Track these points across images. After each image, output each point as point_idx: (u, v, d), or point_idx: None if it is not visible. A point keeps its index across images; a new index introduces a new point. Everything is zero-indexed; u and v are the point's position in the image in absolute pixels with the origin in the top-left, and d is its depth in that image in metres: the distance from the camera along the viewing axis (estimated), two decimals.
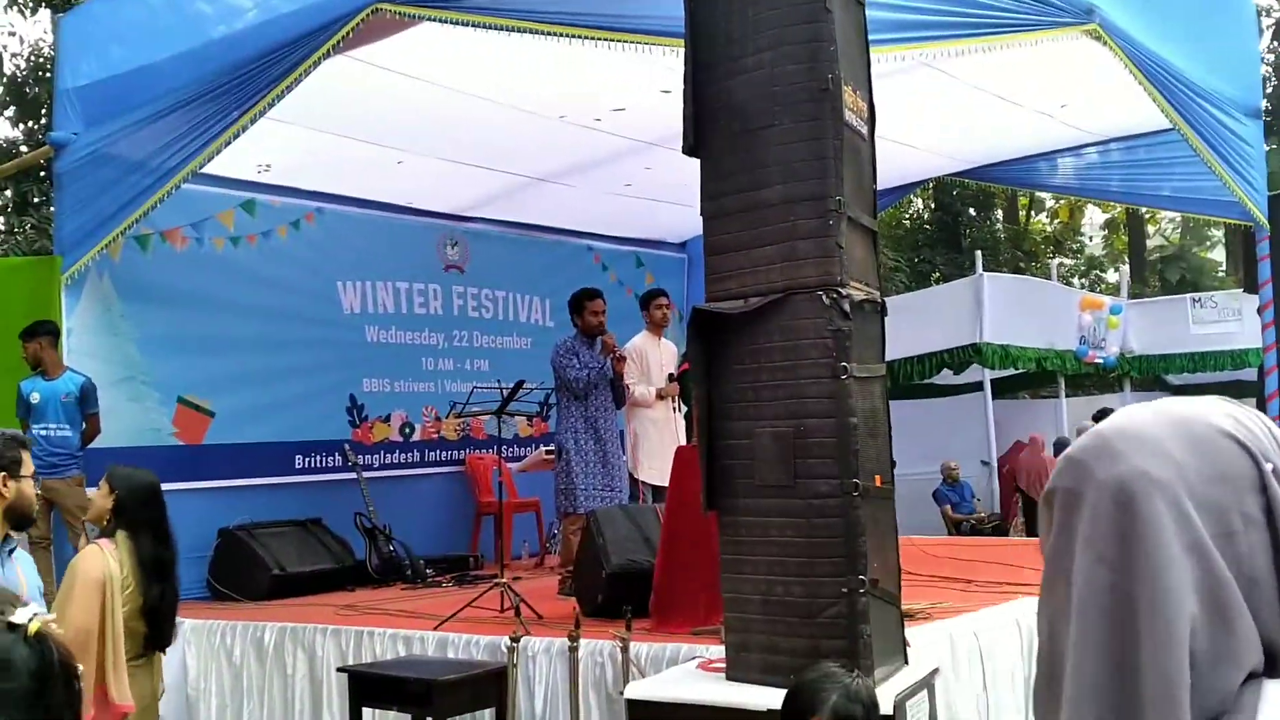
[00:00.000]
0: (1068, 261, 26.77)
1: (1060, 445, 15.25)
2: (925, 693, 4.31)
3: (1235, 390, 16.76)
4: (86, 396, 7.22)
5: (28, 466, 3.46)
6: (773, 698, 4.08)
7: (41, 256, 9.73)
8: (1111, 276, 29.65)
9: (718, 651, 4.99)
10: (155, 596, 3.97)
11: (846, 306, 3.97)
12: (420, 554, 8.71)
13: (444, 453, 10.03)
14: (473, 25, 5.83)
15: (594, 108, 7.80)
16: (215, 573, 7.76)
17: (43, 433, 7.04)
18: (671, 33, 4.97)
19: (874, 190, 4.42)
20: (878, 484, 4.17)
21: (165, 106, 6.96)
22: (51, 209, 11.89)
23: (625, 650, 4.95)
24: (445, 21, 5.89)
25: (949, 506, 14.39)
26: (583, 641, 5.02)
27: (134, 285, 7.91)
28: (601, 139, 8.38)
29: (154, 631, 4.02)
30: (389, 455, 9.60)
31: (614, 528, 6.08)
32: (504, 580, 6.19)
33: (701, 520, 5.56)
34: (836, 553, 3.98)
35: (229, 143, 6.70)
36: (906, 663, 4.34)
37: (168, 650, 4.48)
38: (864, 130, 4.30)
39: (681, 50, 4.86)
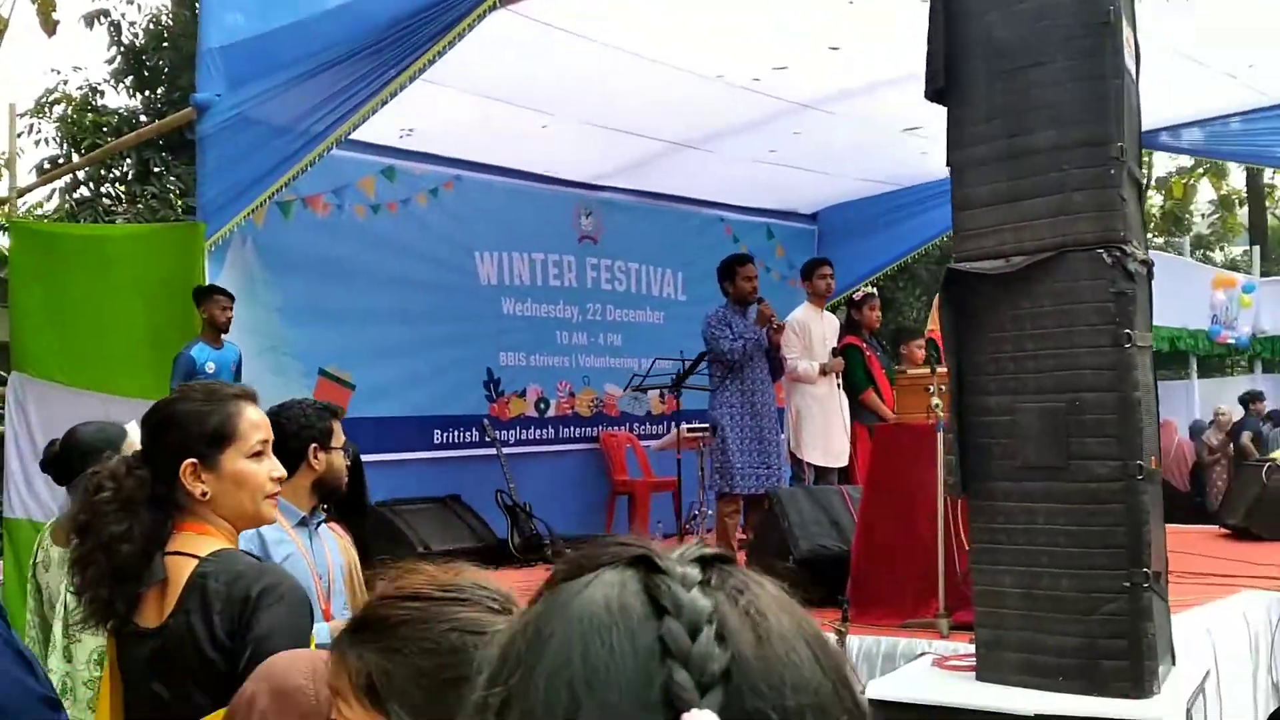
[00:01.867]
0: (1175, 240, 25.71)
1: (1195, 429, 14.58)
2: (1201, 699, 3.88)
3: None
4: (241, 367, 7.02)
5: (338, 437, 3.20)
6: (1034, 700, 3.69)
7: (183, 222, 9.56)
8: (1218, 256, 28.54)
9: (939, 647, 4.61)
10: None
11: (1130, 266, 3.54)
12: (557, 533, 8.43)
13: (578, 429, 9.73)
14: None
15: (754, 66, 7.38)
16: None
17: None
18: None
19: (1140, 138, 3.97)
20: (1153, 465, 3.74)
21: (315, 66, 6.64)
22: (173, 178, 11.78)
23: (842, 643, 4.57)
24: None
25: None
26: None
27: (276, 253, 7.67)
28: (755, 100, 7.96)
29: None
30: (524, 431, 9.31)
31: (798, 510, 5.69)
32: None
33: (905, 504, 5.18)
34: (1116, 542, 3.56)
35: (385, 103, 6.38)
36: (1174, 663, 3.91)
37: None
38: (1134, 71, 3.85)
39: None
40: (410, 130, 8.04)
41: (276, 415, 3.11)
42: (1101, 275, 3.53)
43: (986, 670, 3.82)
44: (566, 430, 9.62)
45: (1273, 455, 8.73)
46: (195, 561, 1.93)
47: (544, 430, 9.46)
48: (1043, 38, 3.62)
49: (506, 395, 9.17)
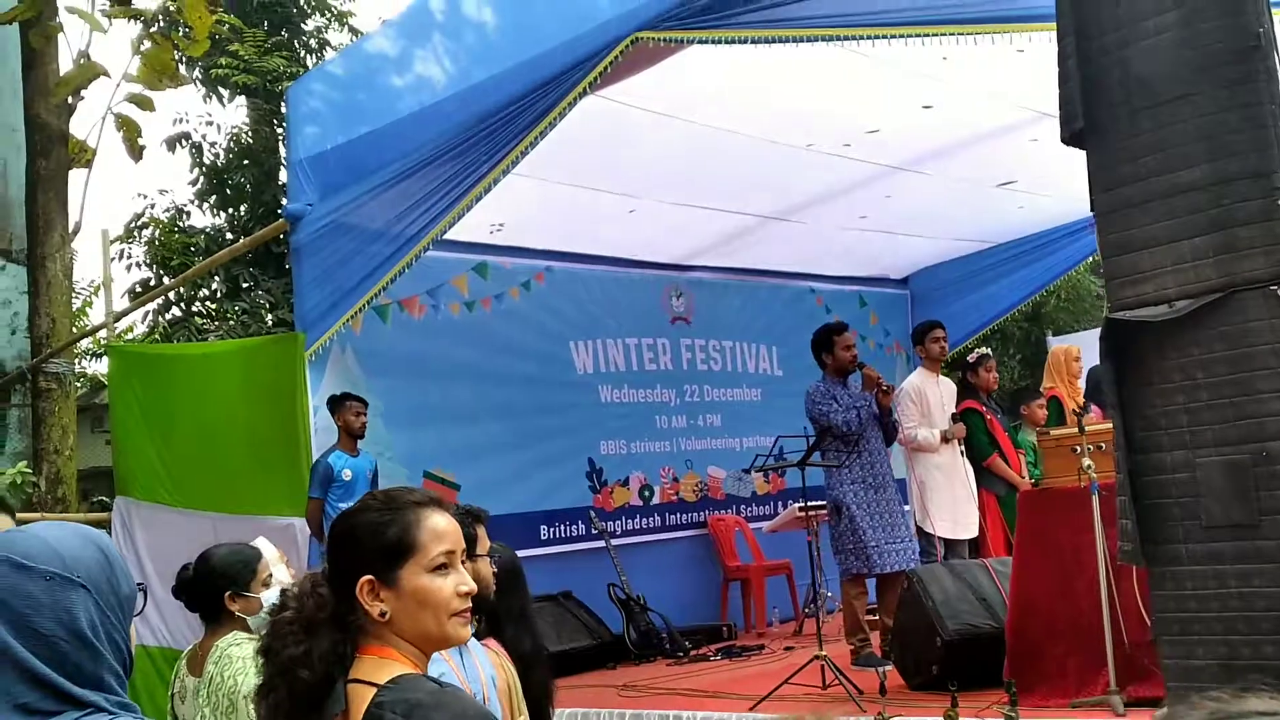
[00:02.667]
0: None
1: None
2: None
3: None
4: (378, 476, 7.07)
5: (483, 543, 3.01)
6: None
7: (282, 334, 9.59)
8: None
9: None
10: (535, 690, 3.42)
11: None
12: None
13: (684, 515, 9.49)
14: (745, 41, 5.32)
15: (845, 132, 7.24)
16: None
17: None
18: (1027, 16, 4.34)
19: None
20: None
21: (406, 168, 6.62)
22: (261, 292, 11.89)
23: None
24: (716, 41, 5.39)
25: None
26: None
27: (375, 357, 7.62)
28: (846, 167, 7.81)
29: None
30: (630, 520, 9.10)
31: (942, 589, 5.40)
32: (824, 654, 5.54)
33: (1061, 573, 4.87)
34: None
35: (479, 198, 6.32)
36: None
37: None
38: None
39: (1000, 36, 4.30)
40: (501, 225, 8.00)
41: None
42: (1277, 313, 3.28)
43: None
44: (673, 517, 9.40)
45: None
46: (373, 690, 1.76)
47: (650, 519, 9.24)
48: (1187, 68, 3.42)
49: (610, 485, 8.99)
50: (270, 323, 11.84)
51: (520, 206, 7.64)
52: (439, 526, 1.87)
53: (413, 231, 6.71)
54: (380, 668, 1.79)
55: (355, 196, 6.99)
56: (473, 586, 1.88)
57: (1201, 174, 3.41)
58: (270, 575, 3.30)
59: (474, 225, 7.62)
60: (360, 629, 1.82)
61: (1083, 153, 5.05)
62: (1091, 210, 3.69)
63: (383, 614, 1.81)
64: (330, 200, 7.14)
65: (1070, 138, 3.70)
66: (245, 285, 11.99)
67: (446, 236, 7.23)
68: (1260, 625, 3.34)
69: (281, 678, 1.77)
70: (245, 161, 12.95)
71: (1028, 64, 6.32)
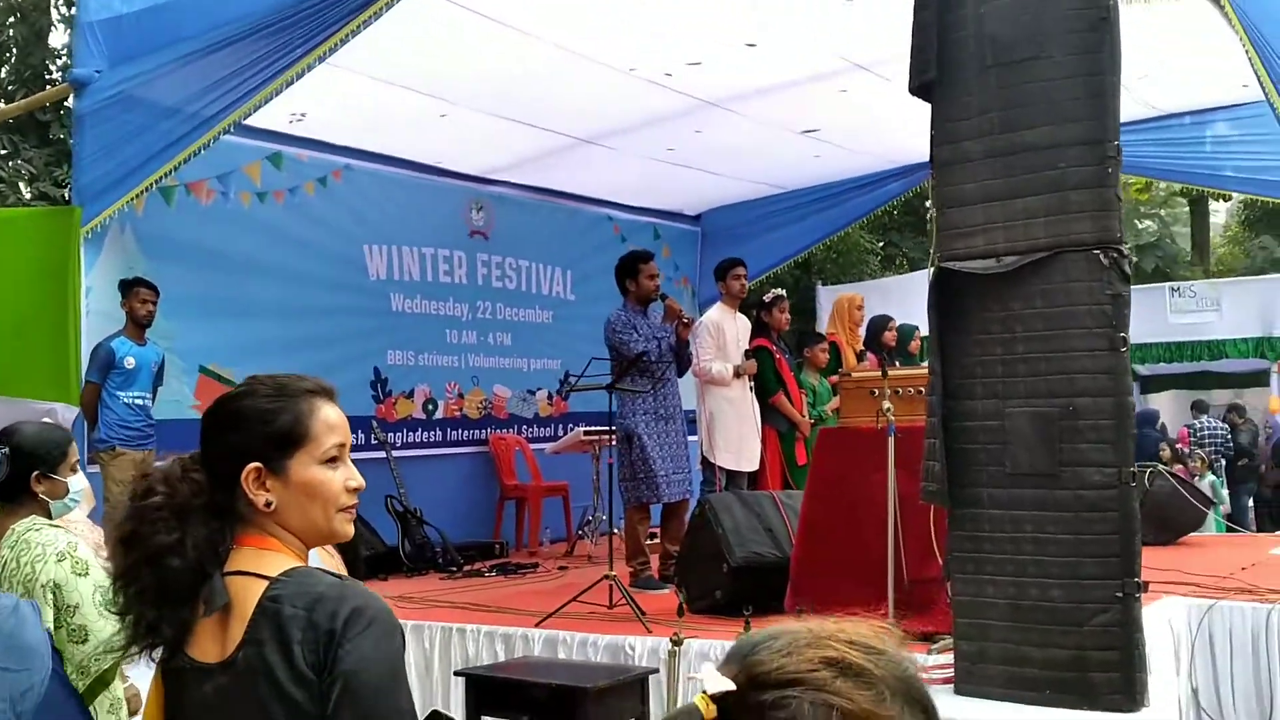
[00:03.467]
0: None
1: None
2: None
3: (1209, 381, 16.81)
4: (164, 370, 6.86)
5: None
6: (1021, 714, 3.59)
7: (59, 207, 8.86)
8: None
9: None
10: None
11: (1127, 268, 3.47)
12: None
13: (466, 432, 9.39)
14: None
15: (668, 60, 7.20)
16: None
17: (138, 401, 6.64)
18: None
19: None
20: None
21: (211, 43, 6.21)
22: (22, 162, 10.99)
23: None
24: None
25: None
26: None
27: (157, 241, 7.16)
28: (663, 96, 7.79)
29: None
30: (412, 433, 8.93)
31: (731, 516, 5.52)
32: (613, 574, 5.59)
33: (850, 510, 5.06)
34: (1110, 551, 3.49)
35: (290, 83, 6.01)
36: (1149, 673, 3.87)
37: None
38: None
39: None
40: (302, 115, 7.61)
41: None
42: (1098, 276, 3.46)
43: (968, 683, 3.72)
44: (455, 433, 9.28)
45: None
46: (264, 583, 1.64)
47: (432, 433, 9.10)
48: (1041, 31, 3.53)
49: (394, 396, 8.78)
50: (29, 196, 10.95)
51: (324, 97, 7.28)
52: (331, 418, 1.76)
53: (211, 112, 6.34)
54: (264, 559, 1.67)
55: (151, 68, 6.53)
56: (361, 482, 1.79)
57: (1041, 136, 3.54)
58: (79, 460, 3.05)
59: (272, 112, 7.18)
60: (240, 518, 1.70)
61: (888, 111, 5.20)
62: (930, 162, 3.79)
63: (268, 504, 1.69)
64: (122, 69, 6.64)
65: (918, 88, 3.78)
66: (3, 153, 11.03)
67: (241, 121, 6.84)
68: (1050, 569, 3.55)
69: (148, 566, 1.63)
70: (11, 19, 11.86)
71: (854, 15, 6.47)
